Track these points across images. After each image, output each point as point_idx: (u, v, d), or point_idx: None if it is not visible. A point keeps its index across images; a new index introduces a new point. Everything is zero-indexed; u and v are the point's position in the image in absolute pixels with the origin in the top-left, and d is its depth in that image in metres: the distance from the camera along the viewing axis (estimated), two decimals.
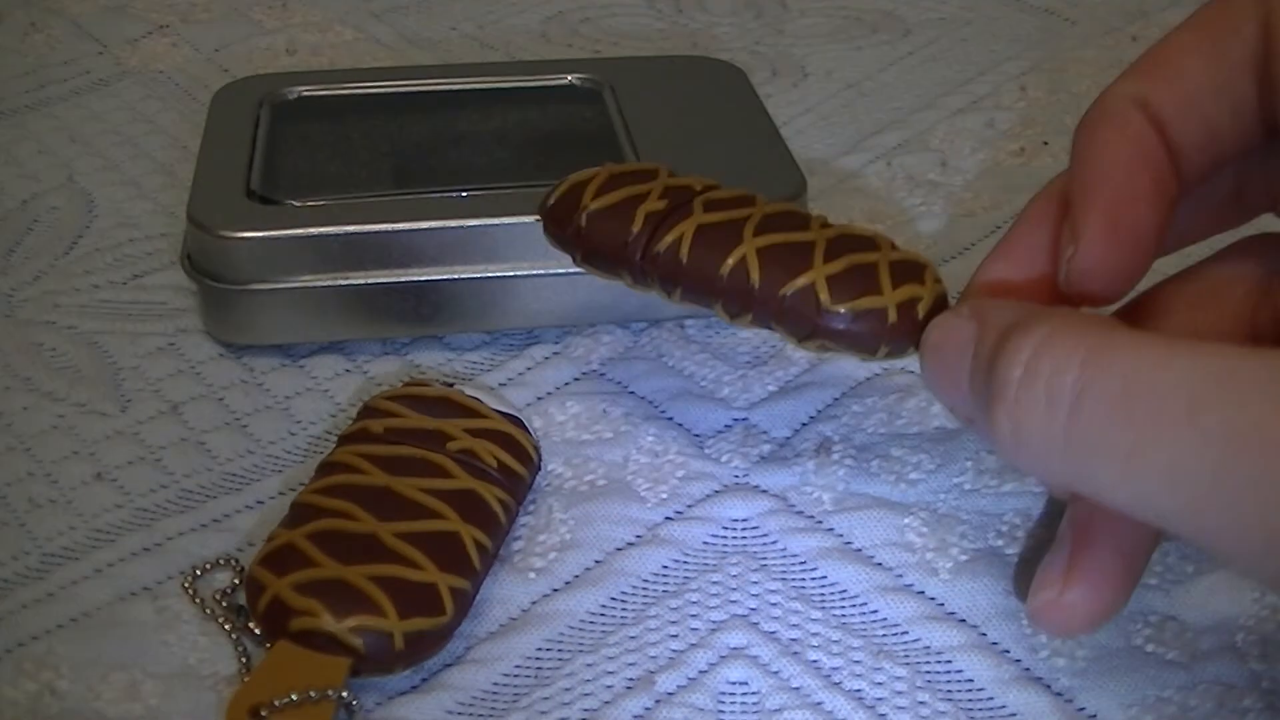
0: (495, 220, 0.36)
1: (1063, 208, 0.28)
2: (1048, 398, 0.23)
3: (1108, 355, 0.22)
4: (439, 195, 0.37)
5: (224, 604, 0.30)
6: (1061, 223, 0.28)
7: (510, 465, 0.32)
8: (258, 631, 0.29)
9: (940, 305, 0.29)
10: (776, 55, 0.54)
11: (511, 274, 0.37)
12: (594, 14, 0.58)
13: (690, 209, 0.30)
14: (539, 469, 0.33)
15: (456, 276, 0.36)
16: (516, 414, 0.33)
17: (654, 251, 0.30)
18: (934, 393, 0.29)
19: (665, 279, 0.30)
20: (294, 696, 0.26)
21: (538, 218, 0.33)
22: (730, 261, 0.29)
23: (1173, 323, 0.29)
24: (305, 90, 0.43)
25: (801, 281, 0.29)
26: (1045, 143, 0.47)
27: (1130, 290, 0.28)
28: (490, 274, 0.36)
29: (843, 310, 0.29)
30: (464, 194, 0.37)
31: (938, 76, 0.52)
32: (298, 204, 0.37)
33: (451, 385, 0.34)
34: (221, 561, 0.31)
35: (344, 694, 0.27)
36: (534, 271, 0.37)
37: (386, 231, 0.36)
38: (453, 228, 0.36)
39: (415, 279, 0.36)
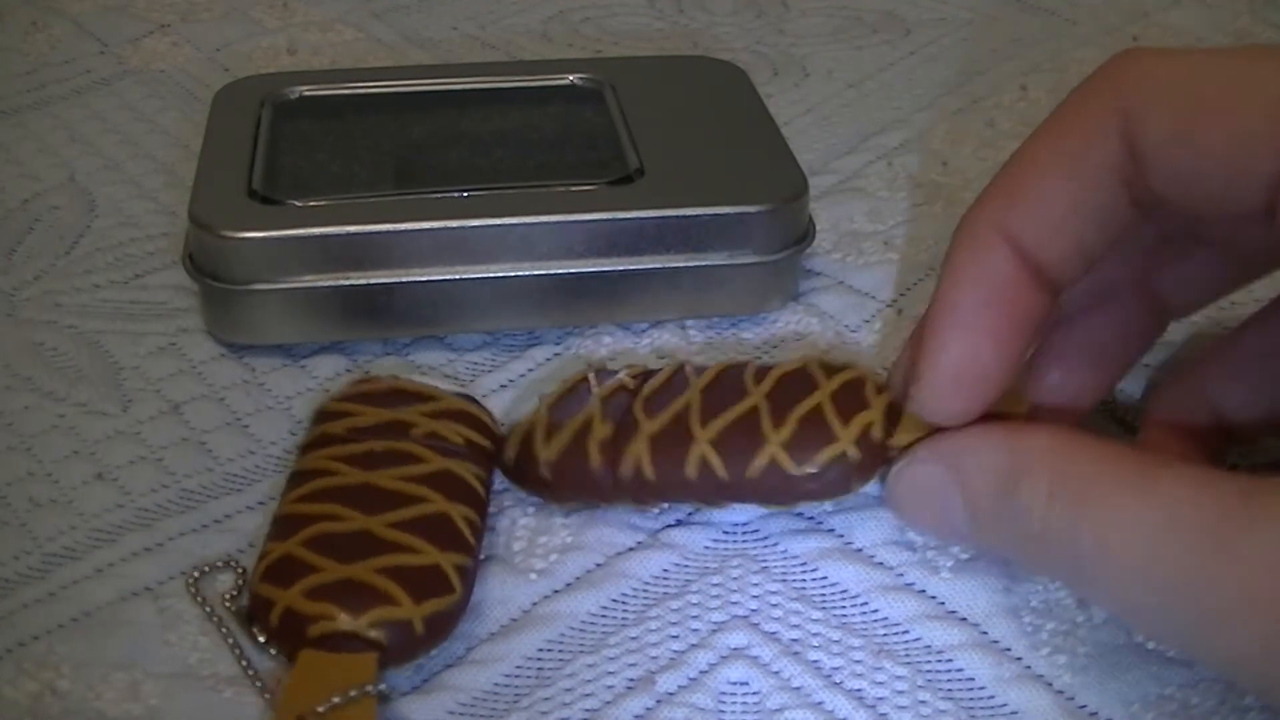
0: (495, 220, 0.36)
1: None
2: (1063, 551, 0.25)
3: (1088, 512, 0.25)
4: (439, 195, 0.37)
5: (231, 609, 0.30)
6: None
7: (476, 440, 0.32)
8: (262, 639, 0.28)
9: (892, 414, 0.30)
10: (777, 55, 0.54)
11: (512, 274, 0.37)
12: (594, 14, 0.58)
13: (634, 421, 0.31)
14: (503, 439, 0.33)
15: (456, 276, 0.36)
16: (467, 392, 0.34)
17: (621, 480, 0.31)
18: (910, 525, 0.31)
19: (639, 498, 0.31)
20: (336, 699, 0.26)
21: (504, 476, 0.33)
22: (691, 466, 0.30)
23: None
24: (306, 90, 0.43)
25: (762, 460, 0.30)
26: None
27: (973, 416, 0.28)
28: (490, 274, 0.36)
29: (810, 471, 0.30)
30: (464, 194, 0.37)
31: (938, 76, 0.52)
32: (299, 204, 0.37)
33: (395, 376, 0.34)
34: (222, 564, 0.31)
35: (382, 687, 0.27)
36: (534, 271, 0.37)
37: (387, 231, 0.36)
38: (453, 228, 0.36)
39: (415, 279, 0.36)
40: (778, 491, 0.30)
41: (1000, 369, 0.28)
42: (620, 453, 0.31)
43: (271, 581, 0.28)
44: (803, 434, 0.30)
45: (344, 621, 0.27)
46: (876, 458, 0.30)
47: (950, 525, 0.28)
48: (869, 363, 0.37)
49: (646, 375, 0.32)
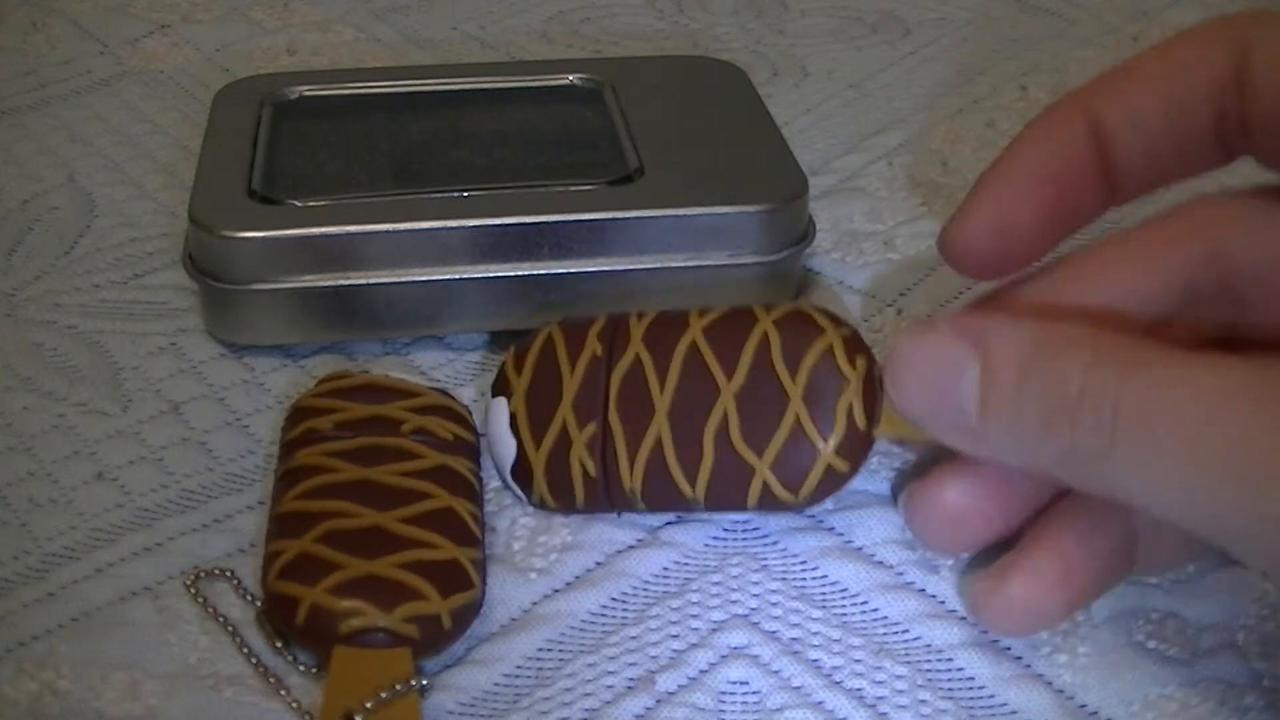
0: (495, 220, 0.36)
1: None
2: (1097, 421, 0.24)
3: (1134, 375, 0.23)
4: (439, 195, 0.37)
5: (259, 604, 0.29)
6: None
7: (461, 435, 0.32)
8: (279, 640, 0.28)
9: (853, 346, 0.30)
10: (777, 55, 0.54)
11: (512, 274, 0.37)
12: (594, 14, 0.58)
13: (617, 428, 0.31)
14: (479, 434, 0.33)
15: (456, 276, 0.36)
16: (439, 385, 0.34)
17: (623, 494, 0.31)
18: (902, 404, 0.28)
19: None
20: (383, 694, 0.27)
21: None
22: (690, 492, 0.30)
23: (1110, 282, 0.29)
24: (306, 90, 0.43)
25: (754, 495, 0.30)
26: None
27: (994, 278, 0.29)
28: (490, 274, 0.36)
29: (804, 496, 0.30)
30: (464, 194, 0.37)
31: (938, 76, 0.52)
32: (299, 204, 0.37)
33: (365, 371, 0.34)
34: (218, 571, 0.31)
35: (425, 681, 0.27)
36: (534, 271, 0.37)
37: (387, 231, 0.36)
38: (453, 228, 0.36)
39: (415, 279, 0.36)
40: (785, 507, 0.30)
41: (1033, 239, 0.28)
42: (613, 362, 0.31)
43: (291, 579, 0.28)
44: (787, 457, 0.29)
45: (375, 617, 0.28)
46: (867, 440, 0.29)
47: (949, 406, 0.26)
48: None
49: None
